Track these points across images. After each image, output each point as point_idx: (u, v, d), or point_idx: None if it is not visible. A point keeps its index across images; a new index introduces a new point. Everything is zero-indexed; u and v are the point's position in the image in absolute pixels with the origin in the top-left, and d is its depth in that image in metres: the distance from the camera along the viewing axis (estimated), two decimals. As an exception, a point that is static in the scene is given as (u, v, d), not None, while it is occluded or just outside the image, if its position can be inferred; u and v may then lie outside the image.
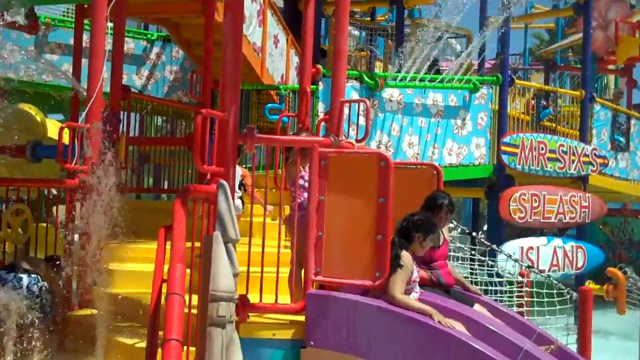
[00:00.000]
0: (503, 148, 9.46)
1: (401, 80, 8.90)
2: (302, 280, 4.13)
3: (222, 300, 3.38)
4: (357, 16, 15.81)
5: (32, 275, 4.31)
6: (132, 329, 4.39)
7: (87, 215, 4.43)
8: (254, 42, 8.61)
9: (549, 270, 9.37)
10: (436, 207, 4.48)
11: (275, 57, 9.42)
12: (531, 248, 9.58)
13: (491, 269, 7.31)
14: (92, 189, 4.47)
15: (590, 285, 9.13)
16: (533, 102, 10.76)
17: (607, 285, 9.89)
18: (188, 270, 3.54)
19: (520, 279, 7.39)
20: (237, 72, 4.09)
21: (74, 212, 4.78)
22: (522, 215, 9.42)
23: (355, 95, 8.39)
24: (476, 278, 7.09)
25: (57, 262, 4.73)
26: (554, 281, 6.79)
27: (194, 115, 4.63)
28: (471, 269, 7.24)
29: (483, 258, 7.24)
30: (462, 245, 7.30)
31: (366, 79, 8.65)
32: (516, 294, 7.31)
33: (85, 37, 6.43)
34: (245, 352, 3.59)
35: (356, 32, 16.57)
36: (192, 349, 3.56)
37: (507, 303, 7.04)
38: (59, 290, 4.58)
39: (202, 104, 6.68)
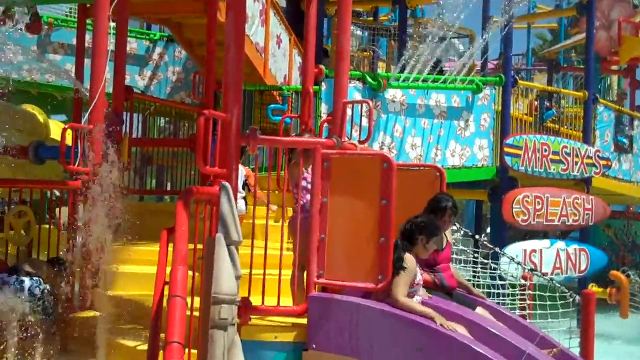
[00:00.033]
0: (506, 150, 9.44)
1: (404, 80, 8.89)
2: (305, 283, 4.12)
3: (224, 303, 3.37)
4: (361, 17, 15.80)
5: (34, 278, 4.31)
6: (134, 331, 4.38)
7: (90, 217, 4.42)
8: (257, 42, 8.60)
9: (551, 273, 9.34)
10: (440, 210, 4.45)
11: (278, 58, 9.41)
12: (534, 251, 9.55)
13: (494, 271, 7.29)
14: (94, 190, 4.46)
15: (593, 288, 9.11)
16: (536, 103, 10.73)
17: (610, 289, 9.86)
18: (190, 273, 3.54)
19: (523, 281, 7.37)
20: (240, 72, 4.08)
21: (76, 214, 4.77)
22: (525, 217, 9.39)
23: (358, 96, 8.37)
24: (479, 281, 7.07)
25: (60, 264, 4.72)
26: (557, 284, 6.78)
27: (197, 116, 4.62)
28: (474, 271, 7.22)
29: (486, 261, 7.22)
30: (465, 248, 7.28)
31: (369, 79, 8.64)
32: (519, 297, 7.29)
33: (88, 37, 6.42)
34: (247, 354, 3.58)
35: (359, 32, 16.56)
36: (194, 351, 3.56)
37: (509, 306, 7.02)
38: (61, 292, 4.57)
39: (205, 105, 6.67)
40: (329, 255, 4.01)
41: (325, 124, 5.83)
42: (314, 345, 3.95)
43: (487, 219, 13.32)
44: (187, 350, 3.35)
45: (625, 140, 11.78)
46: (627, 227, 14.17)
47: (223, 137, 3.93)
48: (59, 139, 5.04)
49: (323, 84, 8.26)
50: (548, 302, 6.77)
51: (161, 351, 3.22)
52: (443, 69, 11.23)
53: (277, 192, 5.76)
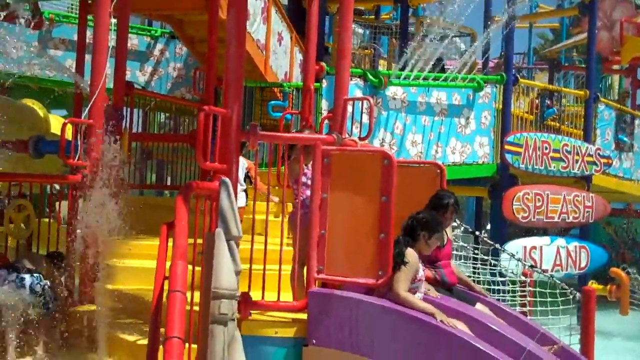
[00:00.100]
0: (507, 147, 9.43)
1: (405, 78, 8.88)
2: (305, 278, 4.12)
3: (224, 298, 3.37)
4: (362, 15, 15.78)
5: (35, 275, 4.31)
6: (133, 326, 4.39)
7: (89, 211, 4.42)
8: (258, 39, 8.60)
9: (552, 270, 9.33)
10: (442, 207, 4.45)
11: (279, 55, 9.40)
12: (534, 248, 9.55)
13: (494, 268, 7.29)
14: (94, 185, 4.46)
15: (593, 285, 9.12)
16: (537, 101, 10.73)
17: (610, 286, 9.88)
18: (190, 267, 3.53)
19: (523, 278, 7.37)
20: (241, 69, 4.08)
21: (76, 208, 4.77)
22: (526, 214, 9.38)
23: (359, 94, 8.36)
24: (479, 277, 7.07)
25: (59, 258, 4.73)
26: (557, 281, 6.77)
27: (197, 112, 4.61)
28: (474, 268, 7.22)
29: (486, 257, 7.22)
30: (465, 245, 7.28)
31: (370, 77, 8.63)
32: (519, 293, 7.29)
33: (89, 33, 6.42)
34: (247, 349, 3.57)
35: (360, 30, 16.55)
36: (194, 346, 3.56)
37: (509, 303, 7.02)
38: (60, 286, 4.58)
39: (205, 101, 6.67)
40: (329, 251, 4.01)
41: (326, 121, 5.82)
42: (314, 341, 3.95)
43: (488, 216, 13.33)
44: (187, 345, 3.34)
45: (626, 139, 11.77)
46: (628, 224, 14.19)
47: (223, 133, 3.92)
48: (59, 133, 5.04)
49: (324, 81, 8.25)
50: (548, 299, 6.76)
51: (161, 346, 3.22)
52: (445, 67, 11.23)
53: (277, 187, 5.76)
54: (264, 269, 4.11)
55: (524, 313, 6.31)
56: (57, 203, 6.29)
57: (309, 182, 4.16)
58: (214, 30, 6.71)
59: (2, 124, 4.99)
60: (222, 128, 3.92)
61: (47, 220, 5.46)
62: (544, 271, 7.89)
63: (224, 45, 4.09)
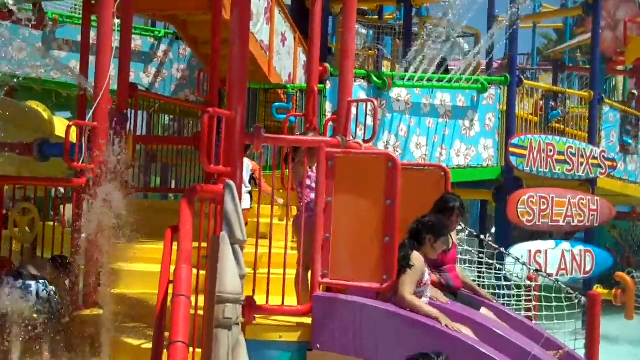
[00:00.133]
0: (511, 150, 9.40)
1: (409, 79, 8.86)
2: (309, 282, 4.10)
3: (228, 302, 3.35)
4: (366, 16, 15.76)
5: (40, 281, 4.30)
6: (138, 330, 4.37)
7: (94, 215, 4.41)
8: (262, 40, 8.58)
9: (557, 274, 9.30)
10: (447, 210, 4.42)
11: (283, 56, 9.38)
12: (539, 251, 9.51)
13: (499, 272, 7.26)
14: (99, 188, 4.45)
15: (598, 289, 9.07)
16: (541, 103, 10.69)
17: (615, 290, 9.83)
18: (195, 271, 3.52)
19: (528, 282, 7.34)
20: (245, 69, 4.06)
21: (81, 212, 4.75)
22: (530, 218, 9.35)
23: (362, 95, 8.35)
24: (484, 281, 7.04)
25: (64, 263, 4.71)
26: (562, 285, 6.74)
27: (201, 114, 4.60)
28: (479, 272, 7.19)
29: (491, 261, 7.19)
30: (470, 248, 7.25)
31: (374, 78, 8.61)
32: (524, 298, 7.25)
33: (93, 34, 6.41)
34: (252, 354, 3.56)
35: (364, 31, 16.51)
36: (199, 350, 3.54)
37: (514, 307, 6.99)
38: (65, 291, 4.56)
39: (210, 103, 6.65)
40: (334, 254, 3.99)
41: (330, 123, 5.81)
42: (318, 345, 3.94)
43: (492, 219, 13.29)
44: (191, 349, 3.33)
45: (630, 142, 11.72)
46: (633, 228, 14.12)
47: (227, 135, 3.90)
48: (63, 136, 5.02)
49: (328, 82, 8.24)
50: (553, 304, 6.73)
51: (165, 350, 3.20)
52: (448, 67, 11.20)
53: (281, 190, 5.74)
54: (269, 273, 4.09)
55: (529, 317, 6.27)
56: (62, 206, 6.28)
57: (314, 185, 4.15)
58: (217, 32, 6.69)
59: (6, 126, 4.98)
60: (226, 130, 3.90)
61: (51, 223, 5.44)
62: (549, 275, 7.85)
63: (228, 46, 4.07)
